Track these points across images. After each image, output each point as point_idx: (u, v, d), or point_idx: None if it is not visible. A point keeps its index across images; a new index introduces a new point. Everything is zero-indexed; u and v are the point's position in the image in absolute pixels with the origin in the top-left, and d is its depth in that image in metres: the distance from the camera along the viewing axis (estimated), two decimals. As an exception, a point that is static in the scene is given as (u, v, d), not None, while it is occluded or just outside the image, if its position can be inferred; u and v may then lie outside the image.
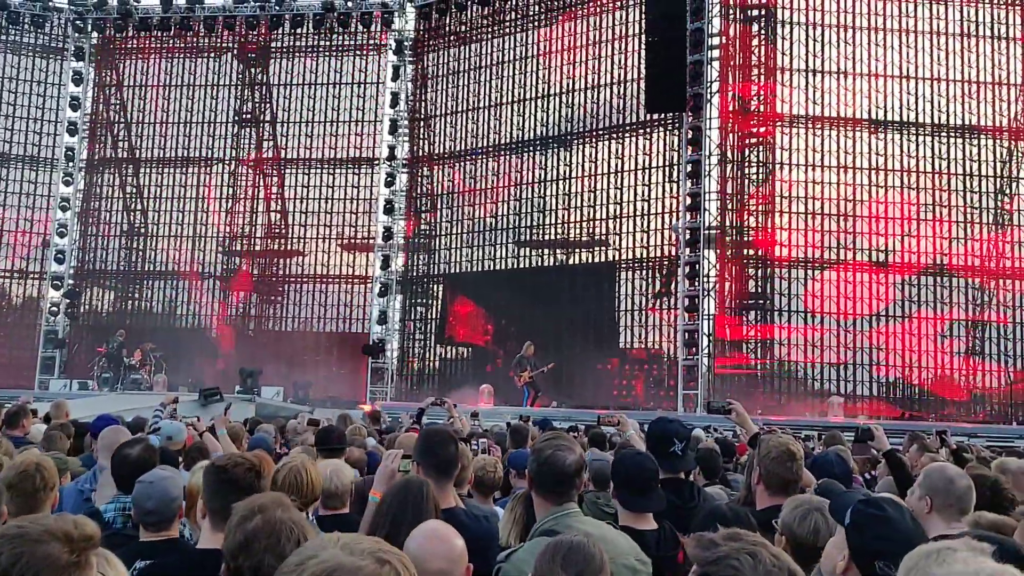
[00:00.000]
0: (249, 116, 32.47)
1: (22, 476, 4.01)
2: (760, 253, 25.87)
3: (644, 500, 3.78)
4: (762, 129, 26.15)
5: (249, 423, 11.08)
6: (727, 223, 25.77)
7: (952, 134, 25.56)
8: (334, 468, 4.46)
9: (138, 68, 33.21)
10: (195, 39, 32.50)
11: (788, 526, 3.34)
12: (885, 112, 25.63)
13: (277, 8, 31.11)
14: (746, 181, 25.98)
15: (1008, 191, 25.65)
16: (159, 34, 32.37)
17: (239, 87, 32.68)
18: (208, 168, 32.33)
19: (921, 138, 25.54)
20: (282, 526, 2.70)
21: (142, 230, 32.76)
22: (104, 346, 27.69)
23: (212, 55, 32.76)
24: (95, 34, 32.60)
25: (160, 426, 8.79)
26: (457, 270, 30.23)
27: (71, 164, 31.82)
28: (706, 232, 25.16)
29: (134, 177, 32.87)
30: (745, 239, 25.90)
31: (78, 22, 32.05)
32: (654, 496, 3.83)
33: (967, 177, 25.45)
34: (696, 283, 24.76)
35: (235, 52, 32.57)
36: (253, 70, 32.67)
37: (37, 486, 4.06)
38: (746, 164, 26.05)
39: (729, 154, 25.93)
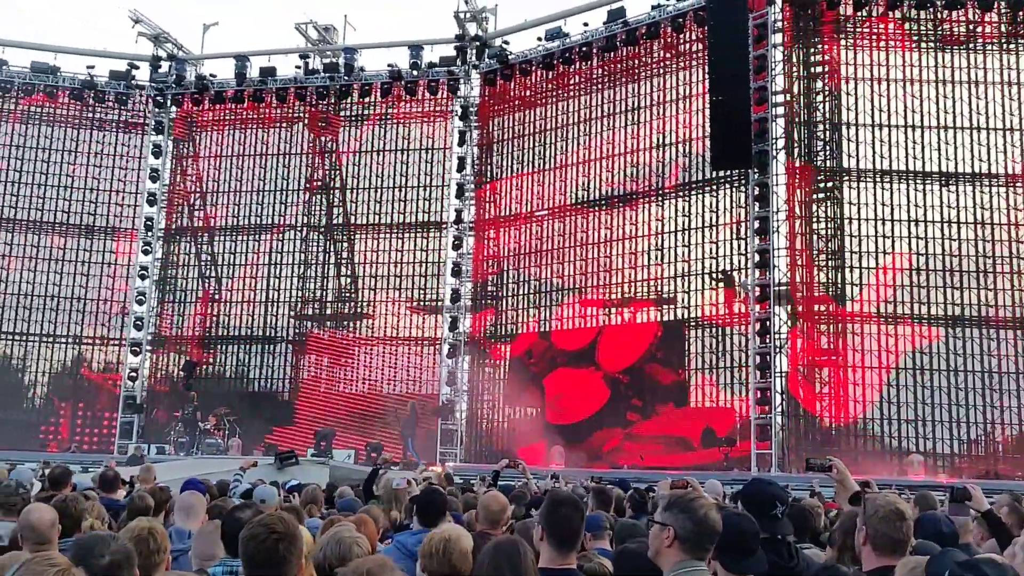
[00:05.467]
0: (319, 183, 33.27)
1: (138, 540, 4.14)
2: (832, 309, 25.51)
3: (747, 562, 3.77)
4: (830, 184, 25.99)
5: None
6: (797, 279, 25.53)
7: (1026, 184, 25.12)
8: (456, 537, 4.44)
9: (213, 139, 34.40)
10: (267, 110, 33.58)
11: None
12: (955, 164, 25.30)
13: (346, 78, 32.01)
14: (815, 237, 25.75)
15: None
16: (233, 106, 33.55)
17: (310, 155, 33.58)
18: (280, 235, 33.10)
19: (994, 189, 25.13)
20: None
21: (216, 296, 33.55)
22: (180, 411, 28.23)
23: (284, 125, 33.77)
24: (173, 108, 33.90)
25: (247, 488, 9.00)
26: (523, 330, 30.30)
27: (150, 233, 32.88)
28: (776, 288, 24.94)
29: (209, 245, 33.79)
30: (816, 295, 25.59)
31: (158, 97, 33.36)
32: (756, 558, 3.81)
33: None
34: (767, 340, 24.49)
35: (306, 121, 33.53)
36: (323, 138, 33.57)
37: (151, 549, 4.20)
38: (814, 220, 25.85)
39: (797, 210, 25.77)
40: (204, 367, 33.02)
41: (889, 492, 4.38)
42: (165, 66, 33.45)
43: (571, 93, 30.29)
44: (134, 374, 32.25)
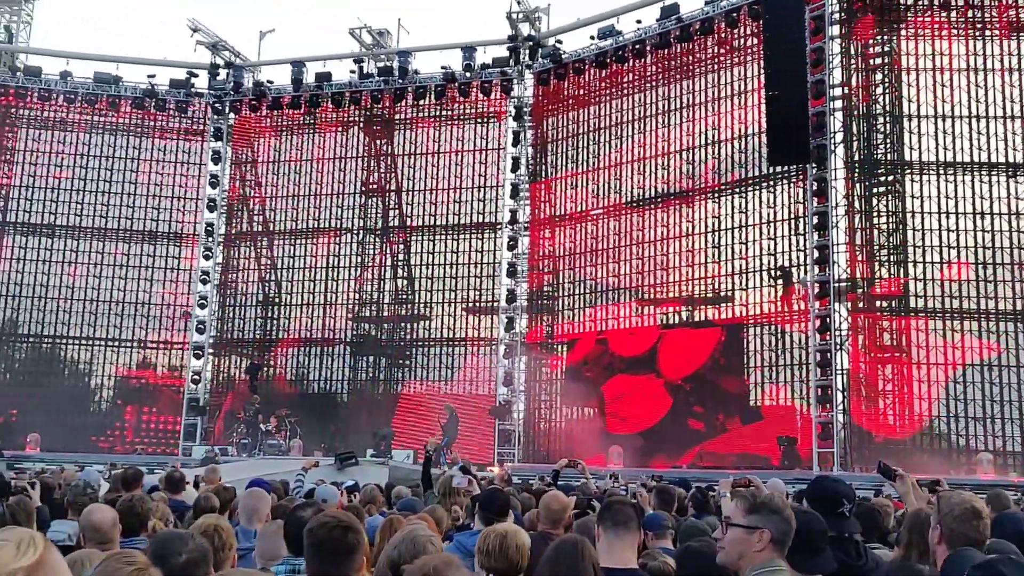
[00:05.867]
0: (375, 186, 33.54)
1: (204, 537, 4.19)
2: (894, 305, 25.01)
3: (815, 561, 3.69)
4: (890, 177, 25.49)
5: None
6: (858, 275, 25.08)
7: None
8: (513, 532, 4.43)
9: (271, 145, 34.88)
10: (323, 114, 33.95)
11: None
12: (1023, 154, 24.61)
13: (400, 81, 32.23)
14: (875, 231, 25.27)
15: None
16: (290, 111, 34.00)
17: (365, 158, 33.89)
18: (337, 238, 33.44)
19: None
20: None
21: (276, 300, 34.00)
22: (242, 413, 28.66)
23: (339, 129, 34.12)
24: (232, 115, 34.47)
25: (309, 489, 9.10)
26: (580, 330, 30.20)
27: (210, 239, 33.48)
28: (836, 285, 24.53)
29: (268, 249, 34.27)
30: (877, 291, 25.11)
31: (217, 104, 33.93)
32: (823, 556, 3.74)
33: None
34: (828, 337, 24.10)
35: (361, 125, 33.83)
36: (378, 141, 33.85)
37: (217, 546, 4.24)
38: (875, 214, 25.37)
39: (857, 204, 25.32)
40: (266, 369, 33.46)
41: (964, 490, 4.26)
42: (223, 73, 34.07)
43: (625, 91, 30.13)
44: (197, 377, 32.86)
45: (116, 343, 33.61)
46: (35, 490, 7.12)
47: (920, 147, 25.14)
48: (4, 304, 33.63)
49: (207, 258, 33.46)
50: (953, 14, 25.45)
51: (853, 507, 4.24)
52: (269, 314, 34.03)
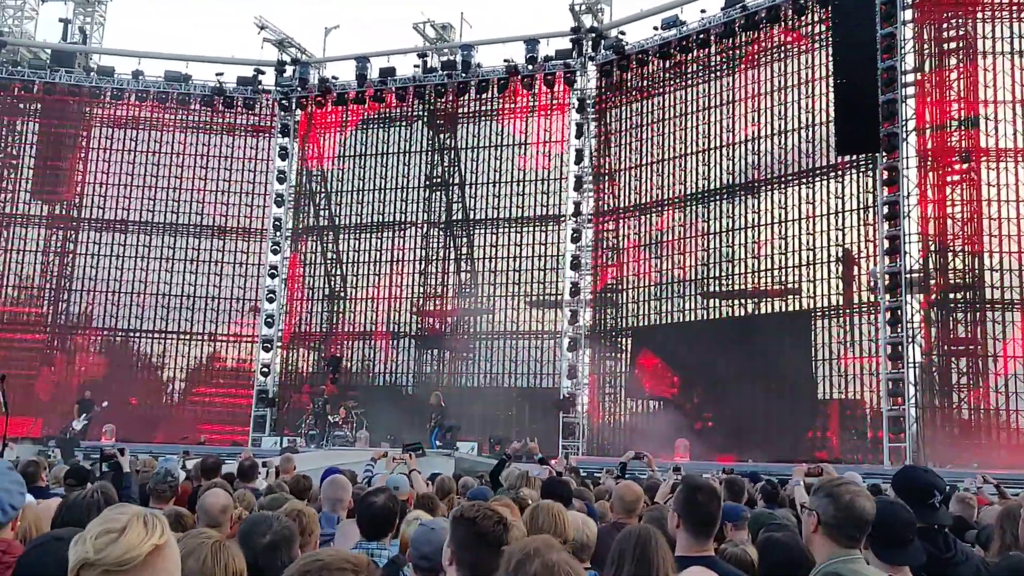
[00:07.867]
0: (439, 180, 33.71)
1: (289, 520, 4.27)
2: (969, 296, 24.38)
3: (903, 552, 3.62)
4: (965, 166, 24.81)
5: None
6: (930, 266, 24.51)
7: None
8: (584, 519, 4.43)
9: (336, 140, 35.28)
10: (387, 109, 34.21)
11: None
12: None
13: (463, 75, 32.34)
14: (949, 221, 24.64)
15: None
16: (355, 107, 34.32)
17: (429, 152, 34.08)
18: (401, 232, 33.70)
19: None
20: (559, 568, 2.77)
21: (341, 293, 34.39)
22: (311, 404, 29.07)
23: (403, 123, 34.35)
24: (298, 111, 34.93)
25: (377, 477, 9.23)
26: (645, 323, 30.02)
27: (279, 233, 34.01)
28: (907, 276, 23.99)
29: (334, 243, 34.67)
30: (951, 282, 24.50)
31: (283, 101, 34.43)
32: (912, 548, 3.66)
33: None
34: (899, 329, 23.61)
35: (425, 119, 34.02)
36: (442, 135, 34.01)
37: (299, 530, 4.33)
38: (949, 203, 24.74)
39: (930, 193, 24.72)
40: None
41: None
42: (289, 70, 34.51)
43: (689, 82, 29.79)
44: (266, 369, 33.40)
45: (187, 336, 34.32)
46: (124, 456, 7.46)
47: (996, 133, 24.43)
48: (79, 298, 34.53)
49: (275, 252, 34.03)
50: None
51: (943, 498, 4.15)
52: (336, 308, 34.43)
